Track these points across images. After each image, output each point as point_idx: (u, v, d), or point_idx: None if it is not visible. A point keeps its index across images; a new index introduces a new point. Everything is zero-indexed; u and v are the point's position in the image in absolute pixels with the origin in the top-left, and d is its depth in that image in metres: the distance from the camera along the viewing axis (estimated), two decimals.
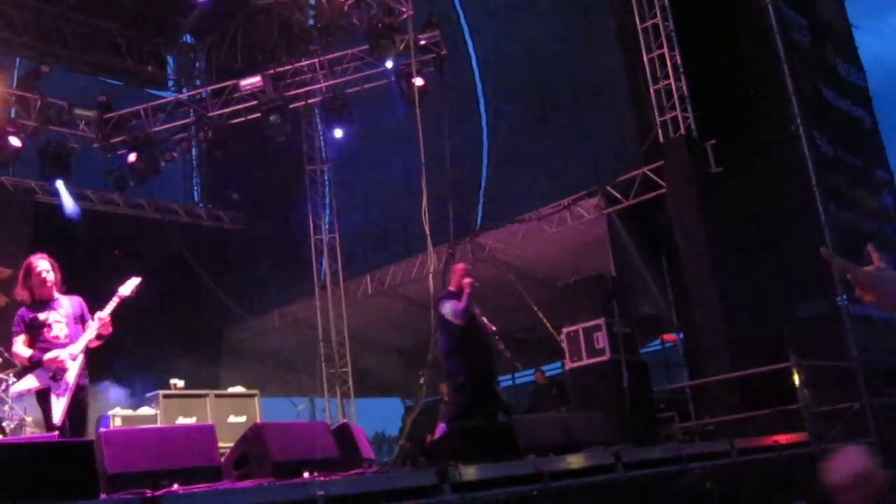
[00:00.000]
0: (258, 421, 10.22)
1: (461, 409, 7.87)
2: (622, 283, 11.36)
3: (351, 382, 16.26)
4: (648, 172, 12.30)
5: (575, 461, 6.34)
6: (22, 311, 6.60)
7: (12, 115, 13.95)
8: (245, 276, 17.55)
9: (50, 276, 6.64)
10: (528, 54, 16.00)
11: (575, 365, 10.04)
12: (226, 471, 5.91)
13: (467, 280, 8.08)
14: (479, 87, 17.06)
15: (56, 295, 6.69)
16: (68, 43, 15.03)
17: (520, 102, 16.16)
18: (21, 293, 6.70)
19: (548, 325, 13.03)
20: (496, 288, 13.76)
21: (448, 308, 8.11)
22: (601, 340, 9.81)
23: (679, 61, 12.11)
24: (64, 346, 6.46)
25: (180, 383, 11.31)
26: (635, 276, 12.49)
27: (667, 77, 12.12)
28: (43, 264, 6.67)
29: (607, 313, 9.84)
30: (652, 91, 12.24)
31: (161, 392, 10.77)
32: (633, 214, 12.56)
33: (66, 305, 6.67)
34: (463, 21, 17.11)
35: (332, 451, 6.27)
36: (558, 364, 14.18)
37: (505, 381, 17.39)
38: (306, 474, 5.63)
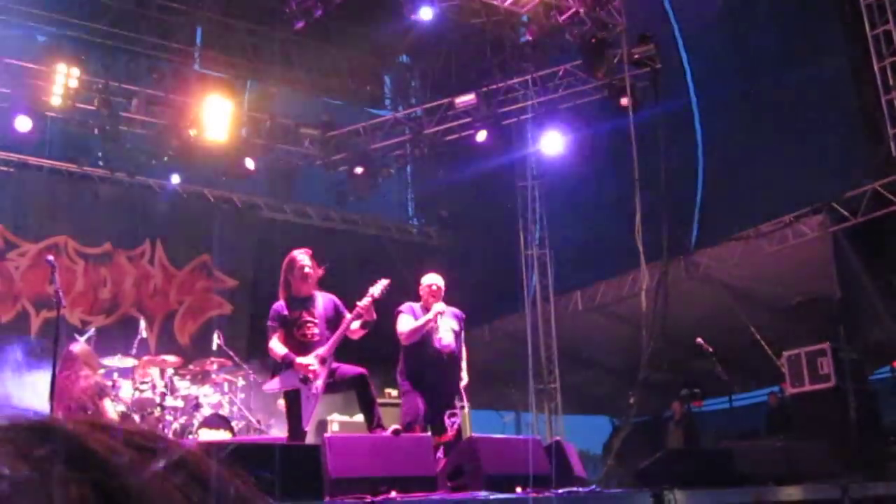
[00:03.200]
0: (473, 434, 10.35)
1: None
2: (848, 306, 10.73)
3: (559, 398, 16.18)
4: (879, 188, 11.56)
5: (796, 493, 6.03)
6: (278, 305, 6.74)
7: (243, 134, 14.90)
8: (455, 291, 17.78)
9: (310, 272, 6.75)
10: (745, 65, 15.41)
11: (797, 391, 9.57)
12: (440, 481, 6.03)
13: (436, 303, 7.50)
14: (694, 100, 16.59)
15: (314, 292, 6.81)
16: (294, 66, 15.94)
17: (736, 116, 15.59)
18: (282, 289, 6.83)
19: (766, 347, 12.47)
20: (711, 307, 13.32)
21: (400, 322, 7.45)
22: (826, 366, 9.30)
23: None
24: (315, 346, 6.56)
25: (394, 392, 11.63)
26: (863, 299, 11.73)
27: None
28: (305, 259, 6.79)
29: (833, 337, 9.31)
30: (884, 101, 11.52)
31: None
32: (861, 233, 11.77)
33: (321, 304, 6.76)
34: (677, 33, 16.72)
35: (545, 468, 6.25)
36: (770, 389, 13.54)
37: (720, 403, 16.78)
38: (518, 489, 5.65)
